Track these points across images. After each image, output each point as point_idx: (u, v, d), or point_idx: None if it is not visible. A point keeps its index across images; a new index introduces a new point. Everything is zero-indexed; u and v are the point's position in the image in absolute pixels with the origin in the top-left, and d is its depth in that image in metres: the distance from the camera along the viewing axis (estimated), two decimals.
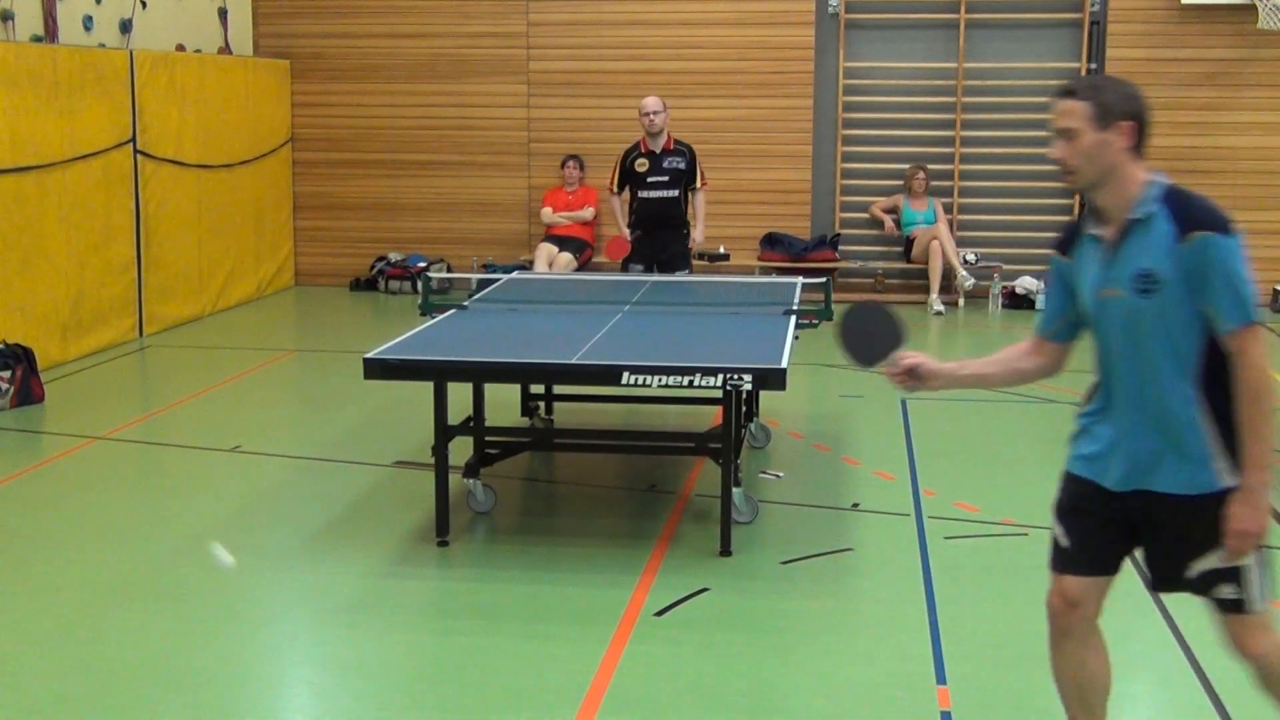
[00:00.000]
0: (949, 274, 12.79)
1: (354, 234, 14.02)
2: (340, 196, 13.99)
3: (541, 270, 12.45)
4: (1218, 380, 3.37)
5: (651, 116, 9.23)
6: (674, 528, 6.34)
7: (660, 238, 9.35)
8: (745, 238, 13.16)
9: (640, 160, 9.36)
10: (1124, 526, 3.57)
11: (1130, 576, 5.70)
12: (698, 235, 9.42)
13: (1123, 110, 3.39)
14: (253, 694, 4.70)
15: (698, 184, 9.38)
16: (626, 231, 9.46)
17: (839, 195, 13.45)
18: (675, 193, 9.33)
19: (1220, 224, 3.32)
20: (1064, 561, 3.63)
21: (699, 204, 9.43)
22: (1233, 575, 3.44)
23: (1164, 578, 3.61)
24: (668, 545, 6.08)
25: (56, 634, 5.10)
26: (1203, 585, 3.49)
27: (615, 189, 9.62)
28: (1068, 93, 3.45)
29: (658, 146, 9.33)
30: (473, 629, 5.20)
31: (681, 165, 9.32)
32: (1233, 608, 3.47)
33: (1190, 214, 3.35)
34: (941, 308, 12.58)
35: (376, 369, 5.81)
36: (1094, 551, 3.60)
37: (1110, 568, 3.64)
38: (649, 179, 9.31)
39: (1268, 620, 3.51)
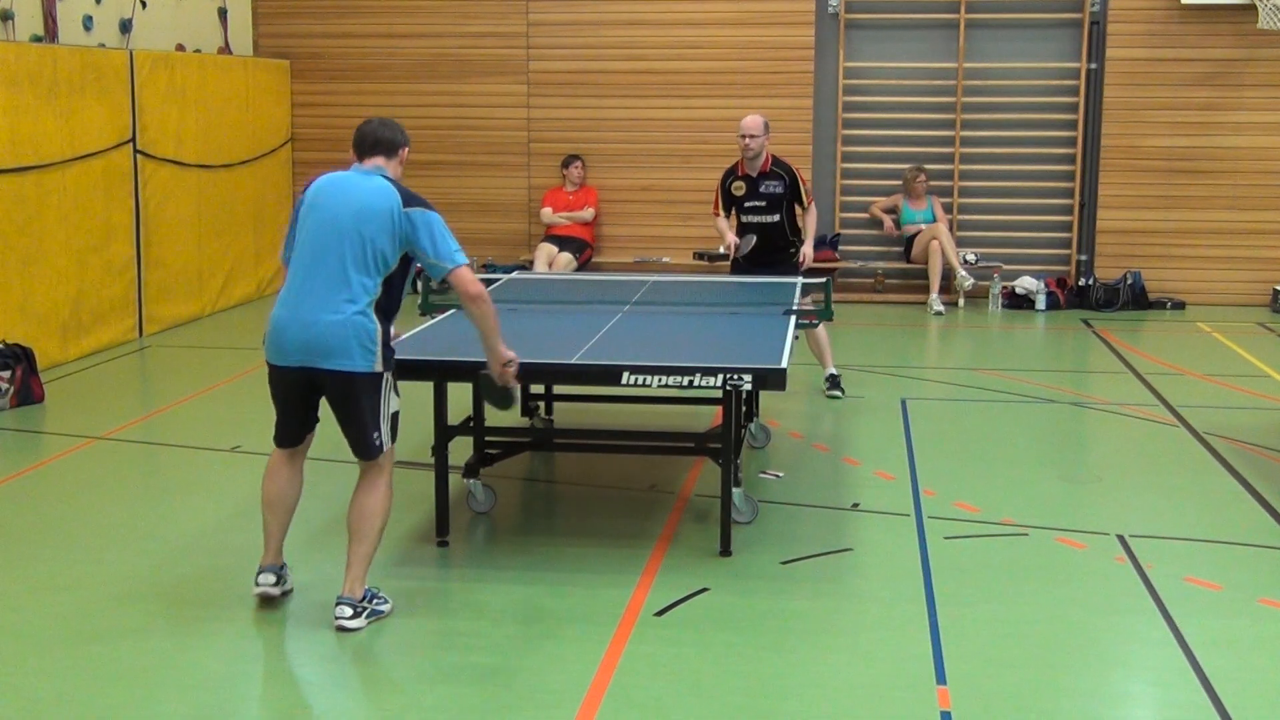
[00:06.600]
0: (949, 274, 12.79)
1: None
2: None
3: (541, 270, 12.45)
4: None
5: (747, 140, 8.54)
6: (674, 528, 6.34)
7: (764, 257, 8.67)
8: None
9: (736, 184, 8.71)
10: None
11: (1130, 576, 5.74)
12: (807, 249, 8.68)
13: None
14: (253, 694, 4.70)
15: (805, 203, 8.73)
16: (733, 238, 8.73)
17: (839, 195, 13.44)
18: (775, 218, 8.67)
19: None
20: None
21: (809, 221, 8.79)
22: None
23: None
24: (668, 545, 6.07)
25: (56, 634, 5.10)
26: None
27: (718, 211, 8.87)
28: None
29: (754, 170, 8.65)
30: (473, 629, 5.20)
31: (779, 189, 8.64)
32: None
33: None
34: (941, 308, 12.58)
35: None
36: None
37: None
38: (746, 204, 8.69)
39: None
